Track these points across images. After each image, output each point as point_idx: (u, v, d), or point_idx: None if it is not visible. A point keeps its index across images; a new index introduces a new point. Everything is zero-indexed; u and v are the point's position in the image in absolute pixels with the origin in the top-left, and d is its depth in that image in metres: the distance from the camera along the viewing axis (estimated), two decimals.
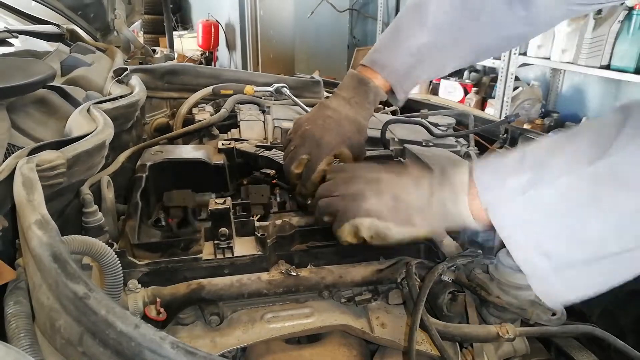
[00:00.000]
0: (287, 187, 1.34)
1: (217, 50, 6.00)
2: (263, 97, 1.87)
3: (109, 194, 1.10)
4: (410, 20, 1.12)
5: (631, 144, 0.65)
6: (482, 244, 1.03)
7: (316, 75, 2.16)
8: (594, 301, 1.07)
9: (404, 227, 0.82)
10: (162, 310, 0.89)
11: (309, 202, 1.09)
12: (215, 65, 5.92)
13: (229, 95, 1.82)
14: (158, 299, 0.89)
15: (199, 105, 1.84)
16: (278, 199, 1.33)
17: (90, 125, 1.06)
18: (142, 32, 5.88)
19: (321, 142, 1.06)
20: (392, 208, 0.82)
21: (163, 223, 1.19)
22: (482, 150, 1.67)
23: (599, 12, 3.56)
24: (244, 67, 5.49)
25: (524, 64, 4.25)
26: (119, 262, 0.78)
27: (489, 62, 4.35)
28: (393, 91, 1.14)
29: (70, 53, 1.78)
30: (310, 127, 1.08)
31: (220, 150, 1.39)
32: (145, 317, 0.87)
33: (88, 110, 1.14)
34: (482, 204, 0.75)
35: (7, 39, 1.71)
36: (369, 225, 0.84)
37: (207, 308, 0.92)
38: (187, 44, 6.02)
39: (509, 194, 0.72)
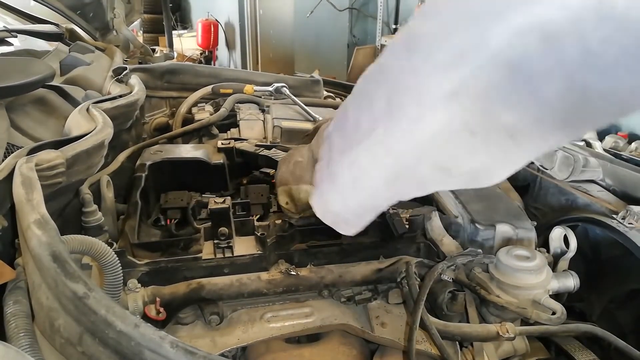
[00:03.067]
0: None
1: (217, 49, 5.99)
2: (263, 97, 1.87)
3: (108, 193, 1.09)
4: None
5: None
6: (482, 243, 1.03)
7: (316, 75, 2.16)
8: (595, 301, 1.08)
9: (303, 186, 0.92)
10: (161, 309, 0.89)
11: None
12: (214, 65, 5.92)
13: (229, 95, 1.82)
14: (158, 299, 0.89)
15: (199, 105, 1.84)
16: None
17: (89, 124, 1.06)
18: (141, 32, 5.87)
19: None
20: (292, 172, 0.94)
21: (163, 222, 1.19)
22: None
23: None
24: (244, 66, 5.49)
25: None
26: (118, 261, 0.78)
27: None
28: None
29: (69, 52, 1.78)
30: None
31: (219, 150, 1.39)
32: (145, 317, 0.87)
33: (87, 109, 1.14)
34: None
35: (7, 39, 1.70)
36: (280, 191, 0.96)
37: (207, 307, 0.92)
38: (187, 43, 6.01)
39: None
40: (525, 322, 0.87)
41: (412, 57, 0.58)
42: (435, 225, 1.09)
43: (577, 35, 0.44)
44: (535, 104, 0.51)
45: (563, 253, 0.99)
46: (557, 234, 1.01)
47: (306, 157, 0.91)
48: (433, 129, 0.57)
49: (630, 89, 0.45)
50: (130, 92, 1.44)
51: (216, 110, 1.75)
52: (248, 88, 1.83)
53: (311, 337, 0.97)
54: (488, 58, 0.51)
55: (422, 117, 0.57)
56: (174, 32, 4.36)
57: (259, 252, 1.01)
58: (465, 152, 0.58)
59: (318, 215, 0.78)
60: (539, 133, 0.54)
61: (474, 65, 0.52)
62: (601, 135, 3.94)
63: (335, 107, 1.92)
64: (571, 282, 0.93)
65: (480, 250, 0.94)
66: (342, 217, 0.76)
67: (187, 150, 1.40)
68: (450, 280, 0.92)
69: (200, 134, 1.69)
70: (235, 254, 1.00)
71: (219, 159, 1.35)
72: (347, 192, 0.72)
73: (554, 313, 0.83)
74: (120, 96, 1.36)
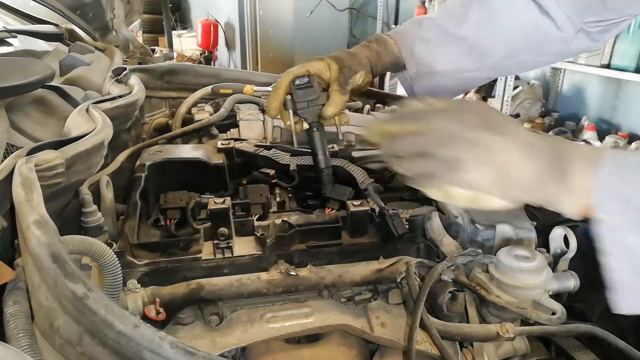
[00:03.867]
0: (287, 186, 1.34)
1: (217, 49, 6.00)
2: (262, 97, 1.87)
3: (108, 193, 1.09)
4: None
5: None
6: (482, 243, 1.03)
7: None
8: (595, 301, 1.08)
9: (501, 200, 0.74)
10: (161, 310, 0.89)
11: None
12: (214, 65, 5.92)
13: (229, 95, 1.82)
14: (157, 299, 0.89)
15: (198, 105, 1.84)
16: (277, 198, 1.33)
17: (89, 125, 1.06)
18: (141, 32, 5.87)
19: None
20: (496, 181, 0.71)
21: (162, 223, 1.19)
22: None
23: None
24: (244, 66, 5.49)
25: None
26: (118, 262, 0.78)
27: None
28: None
29: (69, 53, 1.78)
30: None
31: (219, 150, 1.39)
32: (144, 317, 0.87)
33: (87, 110, 1.14)
34: (597, 213, 0.66)
35: (6, 39, 1.70)
36: (462, 195, 0.75)
37: (206, 308, 0.92)
38: (187, 43, 6.02)
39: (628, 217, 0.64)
40: (525, 322, 0.87)
41: None
42: (435, 225, 1.09)
43: None
44: None
45: (563, 253, 0.99)
46: (557, 234, 1.01)
47: (530, 178, 0.70)
48: None
49: None
50: (130, 93, 1.45)
51: (216, 111, 1.75)
52: (248, 88, 1.82)
53: (311, 338, 0.97)
54: None
55: None
56: (173, 32, 4.36)
57: (259, 252, 1.01)
58: None
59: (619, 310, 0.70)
60: None
61: None
62: (601, 136, 3.94)
63: None
64: (571, 282, 0.93)
65: (480, 251, 0.94)
66: None
67: (187, 151, 1.40)
68: (450, 280, 0.92)
69: (200, 134, 1.69)
70: (234, 254, 1.00)
71: (219, 159, 1.35)
72: None
73: (554, 313, 0.83)
74: (120, 96, 1.36)
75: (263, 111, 1.77)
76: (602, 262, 0.67)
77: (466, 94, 4.51)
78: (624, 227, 0.65)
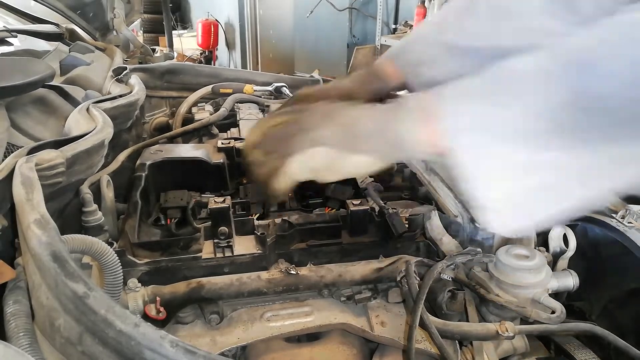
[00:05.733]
0: None
1: (217, 49, 5.99)
2: (262, 96, 1.87)
3: (108, 193, 1.10)
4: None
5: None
6: (482, 242, 1.04)
7: (316, 75, 2.16)
8: (594, 300, 1.08)
9: (354, 156, 0.74)
10: (161, 309, 0.89)
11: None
12: (214, 65, 5.92)
13: (229, 94, 1.82)
14: (158, 298, 0.89)
15: (199, 104, 1.84)
16: None
17: (89, 124, 1.06)
18: (141, 32, 5.87)
19: None
20: (341, 135, 0.73)
21: (163, 222, 1.19)
22: None
23: None
24: (244, 66, 5.48)
25: None
26: (118, 261, 0.78)
27: None
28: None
29: (69, 52, 1.78)
30: None
31: (219, 150, 1.39)
32: (145, 316, 0.88)
33: (87, 109, 1.14)
34: (440, 129, 0.65)
35: (7, 39, 1.70)
36: (311, 154, 0.74)
37: (207, 307, 0.92)
38: (187, 43, 6.01)
39: (469, 113, 0.63)
40: (524, 321, 0.87)
41: None
42: (434, 224, 1.09)
43: None
44: None
45: (562, 252, 0.99)
46: (556, 233, 1.01)
47: (370, 124, 0.72)
48: None
49: None
50: (130, 92, 1.45)
51: (216, 110, 1.75)
52: (248, 88, 1.83)
53: (311, 337, 0.97)
54: None
55: None
56: (174, 32, 4.36)
57: (259, 251, 1.01)
58: None
59: (497, 231, 0.71)
60: None
61: None
62: None
63: None
64: (570, 281, 0.93)
65: (479, 250, 0.94)
66: (522, 230, 0.72)
67: (187, 150, 1.40)
68: (450, 279, 0.92)
69: (200, 133, 1.69)
70: (235, 254, 1.00)
71: (219, 158, 1.35)
72: (536, 213, 0.64)
73: (553, 312, 0.84)
74: (120, 96, 1.36)
75: (263, 110, 1.78)
76: (463, 186, 0.64)
77: None
78: (481, 139, 0.62)
